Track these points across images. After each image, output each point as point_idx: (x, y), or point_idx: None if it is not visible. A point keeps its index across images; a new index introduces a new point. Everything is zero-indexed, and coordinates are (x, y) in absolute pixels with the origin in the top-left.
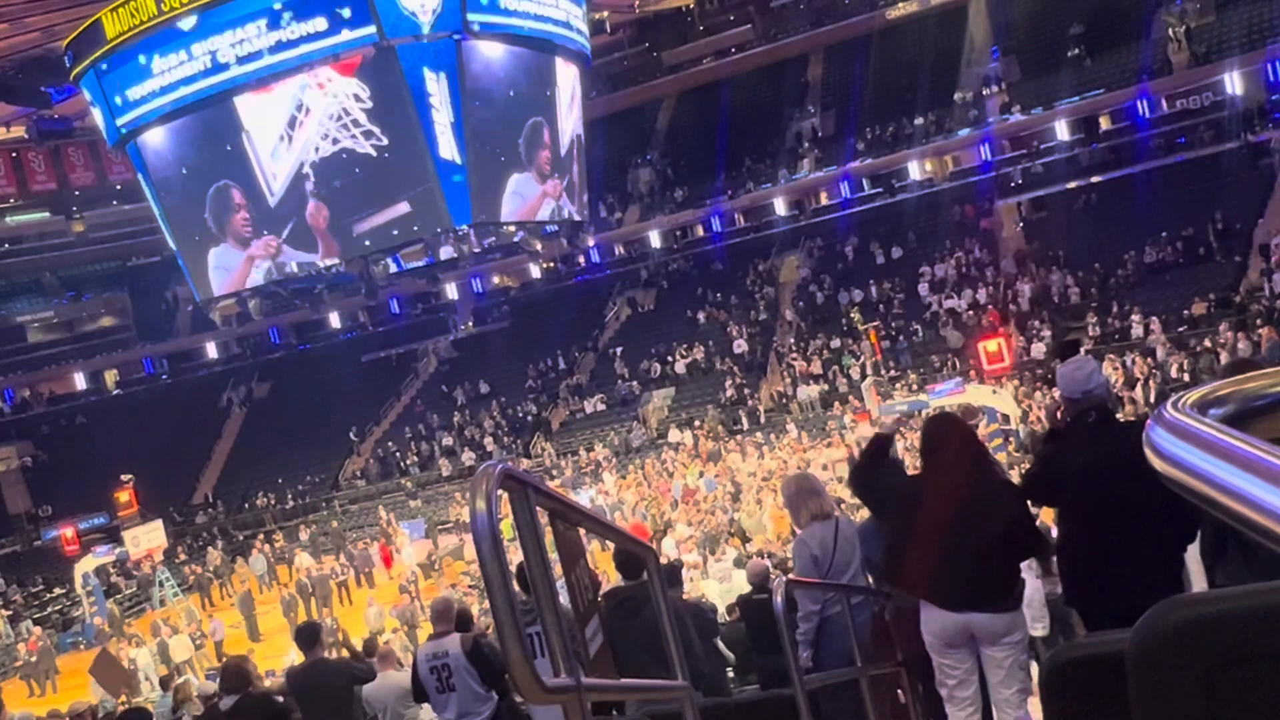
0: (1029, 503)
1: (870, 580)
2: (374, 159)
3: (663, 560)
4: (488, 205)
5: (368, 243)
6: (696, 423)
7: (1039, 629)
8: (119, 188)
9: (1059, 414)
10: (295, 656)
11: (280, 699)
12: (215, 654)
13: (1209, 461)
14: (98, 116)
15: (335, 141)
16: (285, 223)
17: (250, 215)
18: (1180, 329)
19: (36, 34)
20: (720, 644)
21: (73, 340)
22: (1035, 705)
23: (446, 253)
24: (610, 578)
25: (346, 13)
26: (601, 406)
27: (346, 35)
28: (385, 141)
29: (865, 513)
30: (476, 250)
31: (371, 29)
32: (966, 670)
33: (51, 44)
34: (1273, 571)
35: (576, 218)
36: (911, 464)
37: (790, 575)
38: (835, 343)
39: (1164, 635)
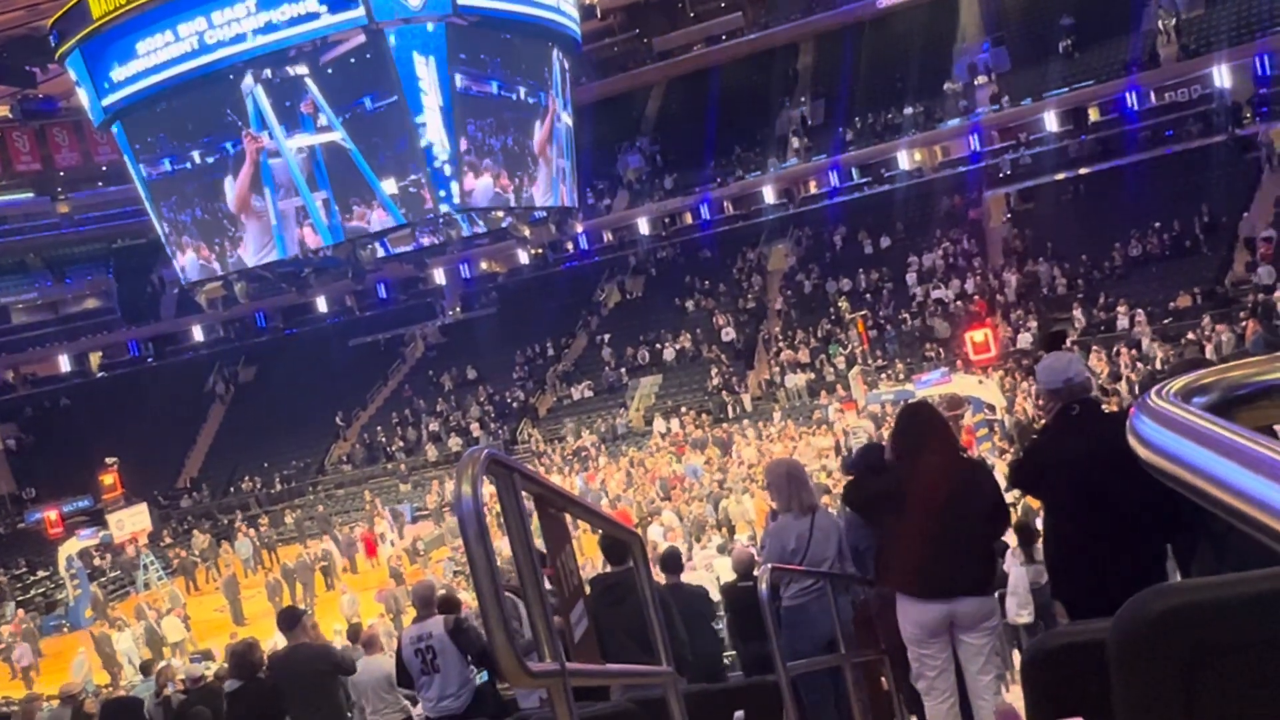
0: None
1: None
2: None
3: (650, 547)
4: (476, 190)
5: None
6: (683, 409)
7: (1024, 615)
8: (104, 169)
9: (1040, 406)
10: (280, 640)
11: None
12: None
13: (1193, 449)
14: (83, 96)
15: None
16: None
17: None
18: (1165, 321)
19: (21, 12)
20: (722, 625)
21: (57, 322)
22: (1016, 693)
23: (433, 239)
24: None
25: None
26: (589, 393)
27: (335, 17)
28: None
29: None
30: (464, 235)
31: (360, 11)
32: (945, 660)
33: (36, 22)
34: (1244, 566)
35: (565, 204)
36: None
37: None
38: (823, 331)
39: (1145, 624)
